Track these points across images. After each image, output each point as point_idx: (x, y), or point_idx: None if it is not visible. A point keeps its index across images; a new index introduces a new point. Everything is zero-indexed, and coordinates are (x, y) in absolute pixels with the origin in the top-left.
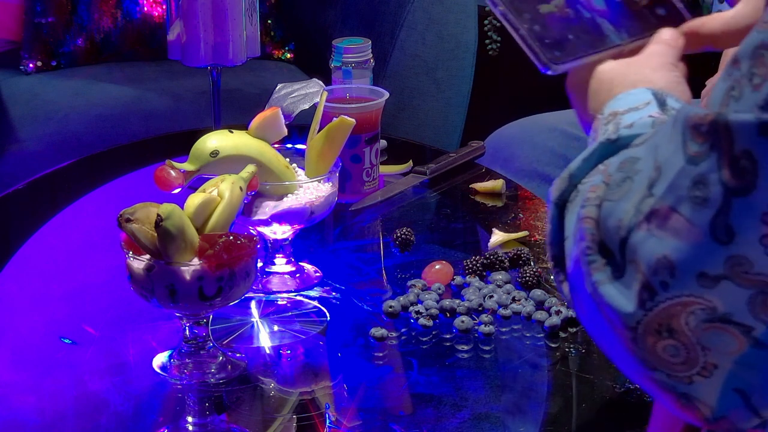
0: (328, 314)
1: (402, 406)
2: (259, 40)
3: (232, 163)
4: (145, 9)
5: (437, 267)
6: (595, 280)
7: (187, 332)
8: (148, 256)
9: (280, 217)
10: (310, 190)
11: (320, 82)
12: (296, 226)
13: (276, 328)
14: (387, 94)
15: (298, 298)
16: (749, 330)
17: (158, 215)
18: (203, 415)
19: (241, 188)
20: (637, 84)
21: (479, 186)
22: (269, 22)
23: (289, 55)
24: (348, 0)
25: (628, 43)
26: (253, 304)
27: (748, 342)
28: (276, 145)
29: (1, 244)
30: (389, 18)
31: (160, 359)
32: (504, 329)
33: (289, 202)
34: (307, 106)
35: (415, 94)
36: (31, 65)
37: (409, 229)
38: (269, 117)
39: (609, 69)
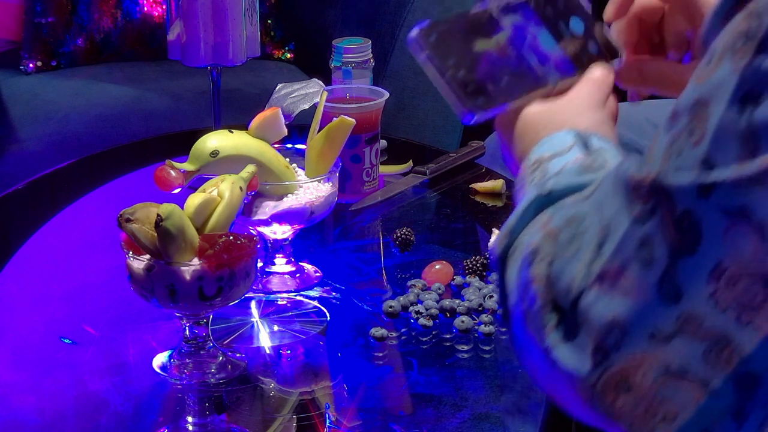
0: (328, 314)
1: (402, 406)
2: (259, 40)
3: (232, 163)
4: (145, 9)
5: (437, 267)
6: (549, 343)
7: (187, 332)
8: (148, 256)
9: (280, 217)
10: (310, 190)
11: (320, 82)
12: (296, 226)
13: (276, 328)
14: (387, 94)
15: (298, 298)
16: (706, 383)
17: (158, 215)
18: (203, 415)
19: (241, 188)
20: (562, 127)
21: (479, 186)
22: (269, 22)
23: (289, 55)
24: (348, 0)
25: (558, 81)
26: (253, 304)
27: (705, 393)
28: (276, 145)
29: (1, 244)
30: (389, 18)
31: (160, 359)
32: (504, 329)
33: (289, 202)
34: (307, 106)
35: (415, 94)
36: (31, 65)
37: (409, 229)
38: (269, 117)
39: (535, 112)
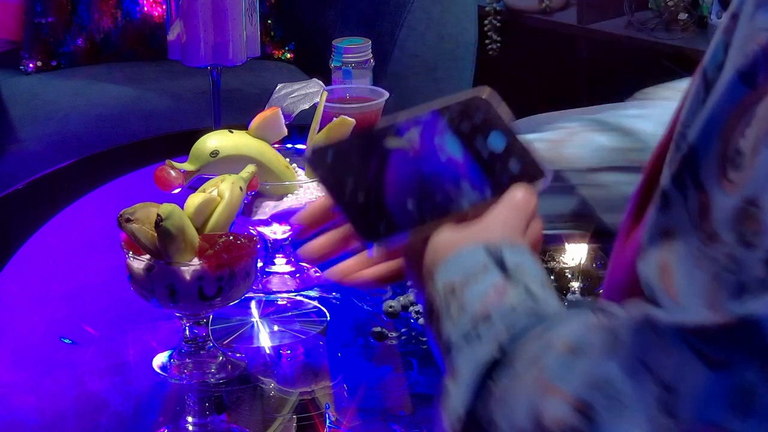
0: (328, 314)
1: (402, 406)
2: (259, 40)
3: (232, 163)
4: (145, 9)
5: None
6: None
7: (187, 332)
8: (148, 256)
9: (280, 217)
10: (310, 190)
11: (320, 82)
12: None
13: (276, 328)
14: (387, 94)
15: (298, 298)
16: None
17: (158, 215)
18: (203, 415)
19: (241, 188)
20: (468, 242)
21: None
22: (269, 22)
23: (289, 55)
24: (348, 0)
25: (473, 205)
26: (253, 304)
27: None
28: (276, 145)
29: (1, 244)
30: (389, 18)
31: (160, 359)
32: None
33: (289, 202)
34: (307, 106)
35: (415, 94)
36: (31, 65)
37: None
38: (269, 117)
39: (445, 240)
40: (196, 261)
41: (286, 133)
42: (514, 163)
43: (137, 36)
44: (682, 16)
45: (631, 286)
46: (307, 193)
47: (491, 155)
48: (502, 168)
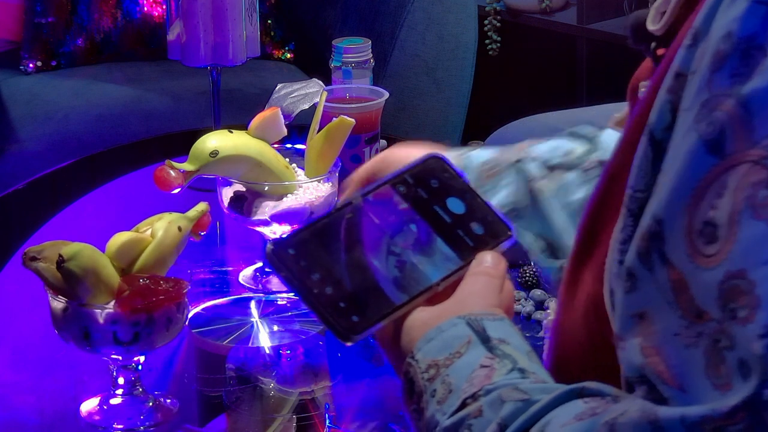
0: None
1: (402, 406)
2: (259, 40)
3: (231, 163)
4: (145, 9)
5: None
6: None
7: (115, 376)
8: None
9: (279, 217)
10: (310, 190)
11: (320, 82)
12: (296, 227)
13: (276, 328)
14: (387, 94)
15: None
16: None
17: (60, 255)
18: None
19: (180, 228)
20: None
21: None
22: (269, 22)
23: (289, 55)
24: (348, 0)
25: (444, 279)
26: (253, 304)
27: None
28: (275, 145)
29: (1, 244)
30: (389, 18)
31: (87, 406)
32: None
33: (288, 202)
34: (307, 106)
35: (415, 94)
36: (31, 65)
37: None
38: (269, 117)
39: (420, 320)
40: (112, 304)
41: (286, 133)
42: (477, 226)
43: (137, 36)
44: None
45: (588, 335)
46: (306, 193)
47: (453, 221)
48: (466, 233)
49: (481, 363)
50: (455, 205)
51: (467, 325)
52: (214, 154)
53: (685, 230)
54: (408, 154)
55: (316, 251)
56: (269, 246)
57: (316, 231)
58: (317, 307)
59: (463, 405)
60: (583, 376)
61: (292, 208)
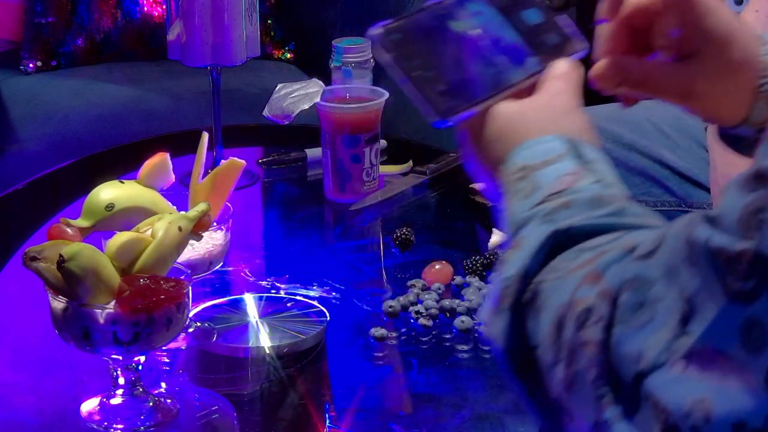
0: (328, 314)
1: (402, 406)
2: (259, 40)
3: (129, 215)
4: (145, 9)
5: (437, 267)
6: (607, 417)
7: (115, 376)
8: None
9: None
10: (205, 240)
11: (320, 82)
12: (195, 278)
13: (276, 328)
14: (387, 94)
15: (298, 298)
16: None
17: (60, 255)
18: None
19: (180, 228)
20: (546, 128)
21: (479, 186)
22: (269, 22)
23: (289, 55)
24: (348, 0)
25: (525, 79)
26: (253, 304)
27: None
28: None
29: (1, 244)
30: (389, 18)
31: (88, 406)
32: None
33: (188, 254)
34: (307, 107)
35: None
36: (31, 65)
37: (409, 229)
38: (158, 164)
39: (509, 111)
40: (112, 304)
41: (174, 179)
42: (554, 36)
43: (137, 36)
44: None
45: None
46: (203, 243)
47: (533, 28)
48: (543, 42)
49: (570, 171)
50: (533, 16)
51: (566, 142)
52: (109, 207)
53: None
54: None
55: (419, 39)
56: (378, 29)
57: (419, 21)
58: (420, 87)
59: (545, 200)
60: None
61: (191, 260)
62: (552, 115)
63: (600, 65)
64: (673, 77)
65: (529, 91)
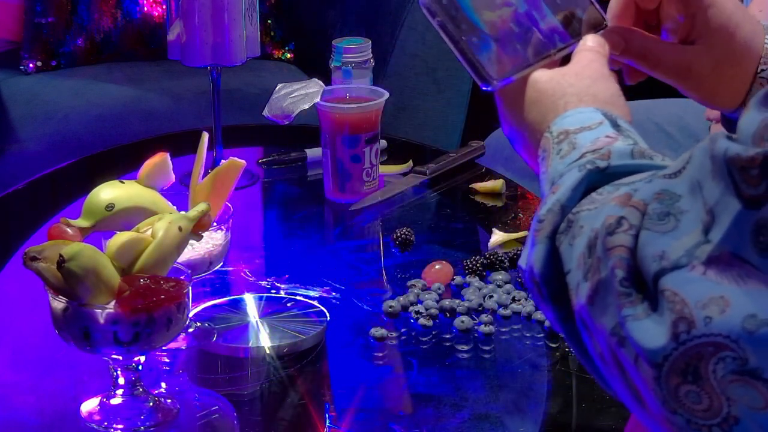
0: (328, 314)
1: (402, 406)
2: (259, 40)
3: (129, 215)
4: (145, 9)
5: (437, 267)
6: (624, 315)
7: (115, 376)
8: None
9: (180, 270)
10: (205, 240)
11: (320, 82)
12: (195, 278)
13: (276, 328)
14: (387, 94)
15: (298, 297)
16: None
17: (60, 255)
18: None
19: (181, 228)
20: (582, 96)
21: (479, 186)
22: (269, 22)
23: (289, 55)
24: (348, 0)
25: (557, 51)
26: (253, 304)
27: None
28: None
29: (1, 244)
30: (389, 18)
31: (88, 406)
32: (504, 329)
33: (188, 254)
34: (307, 106)
35: (415, 94)
36: (31, 65)
37: (409, 229)
38: (158, 164)
39: (548, 79)
40: (112, 304)
41: (174, 179)
42: (584, 12)
43: (137, 36)
44: None
45: None
46: (203, 243)
47: (562, 4)
48: (572, 16)
49: (607, 134)
50: None
51: (603, 114)
52: (110, 207)
53: None
54: None
55: (463, 6)
56: None
57: None
58: (466, 52)
59: (583, 156)
60: None
61: (191, 260)
62: (586, 81)
63: (606, 29)
64: (674, 56)
65: (560, 62)
